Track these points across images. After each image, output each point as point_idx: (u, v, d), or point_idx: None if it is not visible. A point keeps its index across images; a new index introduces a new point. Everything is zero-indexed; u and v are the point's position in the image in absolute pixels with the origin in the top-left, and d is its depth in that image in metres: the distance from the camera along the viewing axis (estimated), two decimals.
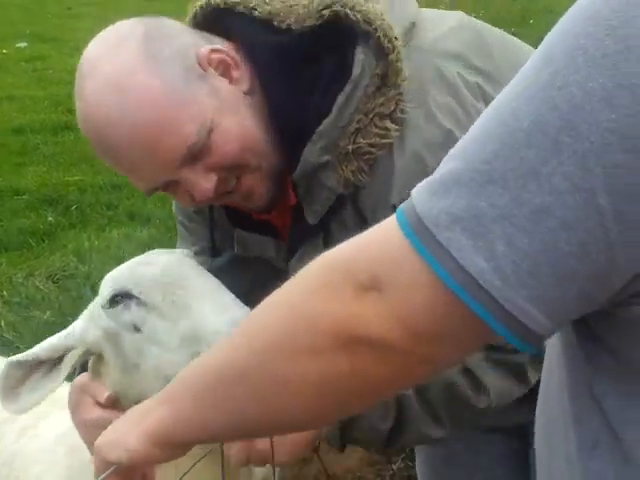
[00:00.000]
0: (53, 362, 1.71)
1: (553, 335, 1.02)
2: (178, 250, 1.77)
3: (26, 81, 10.53)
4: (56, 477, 1.92)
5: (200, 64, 1.60)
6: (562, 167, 0.88)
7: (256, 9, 1.66)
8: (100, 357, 1.73)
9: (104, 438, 1.32)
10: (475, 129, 0.97)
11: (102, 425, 1.40)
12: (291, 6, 1.64)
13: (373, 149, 1.61)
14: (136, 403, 1.55)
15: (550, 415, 1.17)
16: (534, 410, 1.24)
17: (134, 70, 1.55)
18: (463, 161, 0.95)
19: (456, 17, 1.82)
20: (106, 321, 1.66)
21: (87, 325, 1.71)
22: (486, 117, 0.97)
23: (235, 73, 1.64)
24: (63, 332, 1.74)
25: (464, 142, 0.97)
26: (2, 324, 4.36)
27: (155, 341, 1.61)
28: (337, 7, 1.60)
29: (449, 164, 0.96)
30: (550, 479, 1.18)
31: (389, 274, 0.97)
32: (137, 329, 1.64)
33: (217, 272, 1.71)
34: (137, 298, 1.63)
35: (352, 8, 1.60)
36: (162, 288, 1.63)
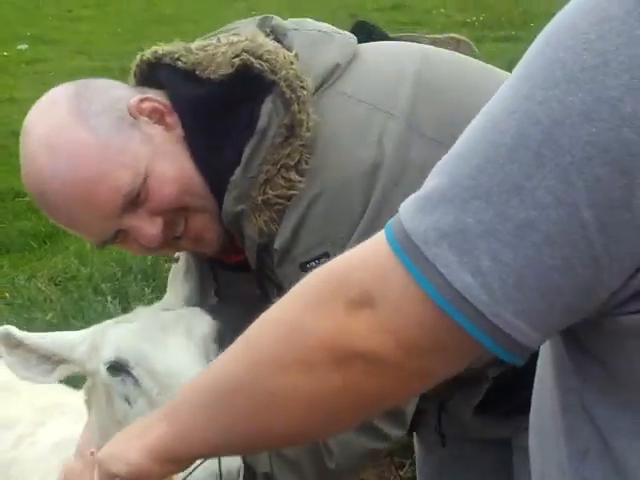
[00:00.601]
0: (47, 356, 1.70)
1: (542, 345, 1.03)
2: (196, 311, 1.74)
3: (27, 83, 10.52)
4: None
5: (131, 113, 1.64)
6: (545, 181, 0.89)
7: (180, 59, 1.68)
8: (94, 385, 1.73)
9: (106, 451, 1.33)
10: (459, 144, 0.98)
11: None
12: (213, 54, 1.66)
13: (281, 200, 1.62)
14: None
15: (542, 423, 1.17)
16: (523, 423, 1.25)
17: (63, 127, 1.60)
18: (448, 176, 0.95)
19: (412, 67, 1.74)
20: (103, 375, 1.66)
21: (89, 354, 1.70)
22: (469, 132, 0.97)
23: (169, 119, 1.68)
24: (70, 340, 1.72)
25: (449, 157, 0.98)
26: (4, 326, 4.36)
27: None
28: (245, 56, 1.62)
29: (434, 179, 0.97)
30: None
31: (379, 290, 0.98)
32: (127, 402, 1.64)
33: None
34: (135, 378, 1.62)
35: (259, 57, 1.62)
36: (161, 385, 1.61)
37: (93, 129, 1.59)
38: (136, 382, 1.62)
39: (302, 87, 1.61)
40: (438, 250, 0.93)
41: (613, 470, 1.03)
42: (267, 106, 1.61)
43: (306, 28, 1.76)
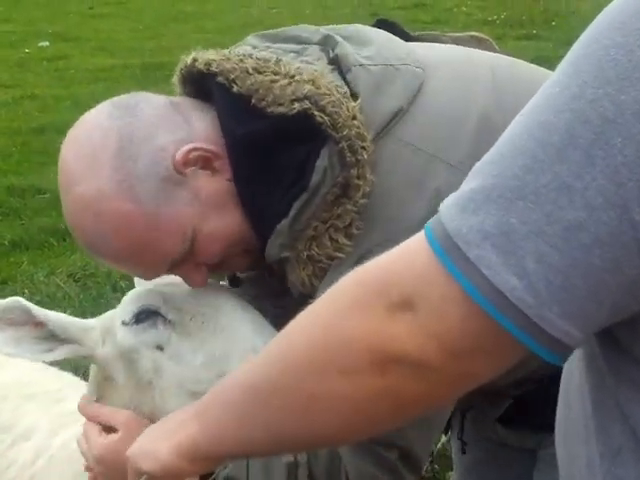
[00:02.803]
0: (52, 333, 1.70)
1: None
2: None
3: (48, 80, 10.57)
4: None
5: (177, 170, 1.57)
6: (595, 182, 0.88)
7: (236, 82, 1.57)
8: (106, 378, 1.73)
9: (137, 446, 1.34)
10: (502, 144, 0.96)
11: None
12: (272, 81, 1.56)
13: (326, 259, 1.57)
14: (150, 418, 1.55)
15: (570, 423, 1.16)
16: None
17: (107, 196, 1.54)
18: (492, 176, 0.94)
19: (478, 111, 1.61)
20: (124, 337, 1.66)
21: (100, 338, 1.70)
22: (512, 131, 0.96)
23: (217, 164, 1.60)
24: (82, 322, 1.73)
25: (492, 157, 0.96)
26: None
27: (178, 359, 1.62)
28: (306, 104, 1.53)
29: (477, 180, 0.96)
30: None
31: (420, 293, 0.97)
32: (159, 347, 1.64)
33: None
34: (164, 317, 1.63)
35: (322, 109, 1.53)
36: (191, 309, 1.63)
37: (137, 197, 1.54)
38: (165, 320, 1.63)
39: (363, 147, 1.53)
40: (481, 251, 0.92)
41: None
42: (323, 161, 1.53)
43: (372, 60, 1.63)
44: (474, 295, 0.93)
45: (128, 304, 1.68)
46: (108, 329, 1.69)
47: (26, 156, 7.25)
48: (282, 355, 1.12)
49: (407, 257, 1.01)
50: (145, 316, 1.64)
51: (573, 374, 1.14)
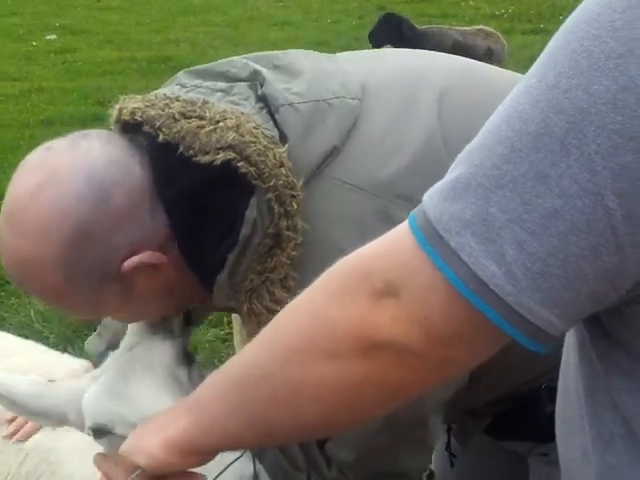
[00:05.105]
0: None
1: (566, 332, 1.03)
2: (155, 341, 1.68)
3: (55, 73, 10.59)
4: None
5: (121, 273, 1.51)
6: (570, 170, 0.89)
7: (162, 130, 1.48)
8: None
9: (130, 442, 1.34)
10: (483, 134, 0.98)
11: None
12: (198, 127, 1.47)
13: (266, 312, 1.51)
14: None
15: (567, 411, 1.18)
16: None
17: (45, 267, 1.48)
18: (472, 166, 0.95)
19: (421, 138, 1.54)
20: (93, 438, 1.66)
21: (80, 420, 1.67)
22: (493, 121, 0.97)
23: (160, 268, 1.53)
24: (55, 402, 1.68)
25: (473, 147, 0.98)
26: (31, 314, 4.39)
27: None
28: (230, 154, 1.44)
29: (459, 169, 0.97)
30: (568, 472, 1.19)
31: (404, 280, 0.99)
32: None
33: None
34: (120, 435, 1.59)
35: (246, 158, 1.45)
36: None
37: (74, 282, 1.50)
38: (122, 437, 1.62)
39: (293, 196, 1.46)
40: (461, 239, 0.93)
41: (637, 455, 1.03)
42: (252, 213, 1.46)
43: (302, 96, 1.54)
44: (455, 282, 0.94)
45: (87, 412, 1.65)
46: (80, 412, 1.66)
47: (34, 148, 7.25)
48: (269, 344, 1.14)
49: (391, 245, 1.02)
50: (103, 430, 1.61)
51: (569, 364, 1.15)
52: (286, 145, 1.48)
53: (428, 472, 2.32)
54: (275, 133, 1.50)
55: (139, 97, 1.57)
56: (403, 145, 1.52)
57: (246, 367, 1.17)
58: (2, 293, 4.74)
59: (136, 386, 1.62)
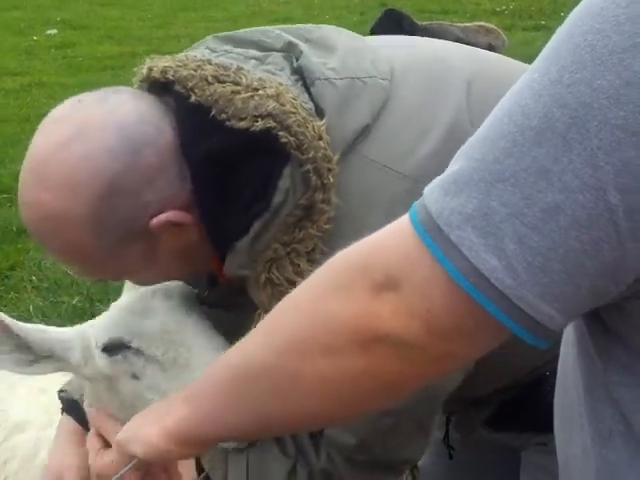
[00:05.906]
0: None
1: (565, 327, 1.03)
2: (173, 284, 1.70)
3: (56, 68, 10.59)
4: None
5: (148, 230, 1.51)
6: (572, 165, 0.89)
7: (194, 91, 1.48)
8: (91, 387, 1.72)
9: (126, 432, 1.34)
10: (485, 127, 0.97)
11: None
12: (233, 92, 1.47)
13: (286, 283, 1.50)
14: None
15: (566, 408, 1.18)
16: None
17: (71, 223, 1.48)
18: (474, 160, 0.95)
19: (446, 122, 1.54)
20: (101, 364, 1.63)
21: (81, 358, 1.66)
22: (495, 115, 0.97)
23: (186, 227, 1.54)
24: (62, 339, 1.67)
25: (475, 140, 0.98)
26: (31, 309, 4.40)
27: (155, 390, 1.60)
28: (271, 123, 1.44)
29: (460, 162, 0.97)
30: (567, 468, 1.19)
31: (404, 273, 0.99)
32: (135, 377, 1.62)
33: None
34: (135, 349, 1.61)
35: (287, 128, 1.44)
36: (162, 343, 1.61)
37: (100, 237, 1.50)
38: (137, 352, 1.61)
39: (329, 170, 1.46)
40: (462, 233, 0.93)
41: (636, 451, 1.03)
42: (285, 182, 1.45)
43: (337, 72, 1.54)
44: (455, 276, 0.94)
45: (99, 329, 1.65)
46: (87, 348, 1.65)
47: None
48: (269, 336, 1.13)
49: (392, 238, 1.02)
50: (116, 346, 1.62)
51: (568, 359, 1.15)
52: (324, 119, 1.49)
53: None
54: (311, 106, 1.51)
55: (169, 57, 1.58)
56: (432, 126, 1.54)
57: (245, 358, 1.17)
58: (1, 287, 4.75)
59: (156, 304, 1.64)
